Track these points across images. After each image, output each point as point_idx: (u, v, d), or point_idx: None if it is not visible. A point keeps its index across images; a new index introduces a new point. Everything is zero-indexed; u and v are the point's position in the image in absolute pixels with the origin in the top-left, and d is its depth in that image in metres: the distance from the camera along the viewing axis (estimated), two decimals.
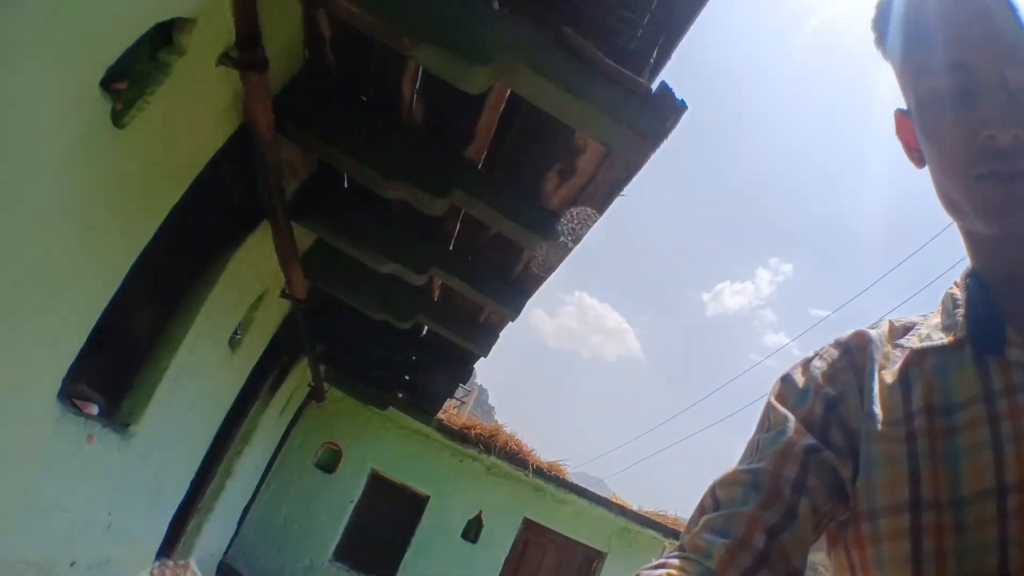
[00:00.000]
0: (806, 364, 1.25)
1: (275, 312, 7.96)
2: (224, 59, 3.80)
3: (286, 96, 4.47)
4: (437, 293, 7.19)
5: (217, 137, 4.28)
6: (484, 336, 7.66)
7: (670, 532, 17.07)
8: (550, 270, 5.54)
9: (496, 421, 18.26)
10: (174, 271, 5.14)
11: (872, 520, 1.07)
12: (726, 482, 1.13)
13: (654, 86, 3.49)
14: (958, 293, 1.19)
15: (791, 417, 1.16)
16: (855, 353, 1.22)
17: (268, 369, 9.52)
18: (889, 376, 1.16)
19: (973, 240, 1.16)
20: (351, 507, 16.14)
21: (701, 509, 1.12)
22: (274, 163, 4.77)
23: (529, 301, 6.34)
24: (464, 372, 9.86)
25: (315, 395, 14.13)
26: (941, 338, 1.15)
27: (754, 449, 1.17)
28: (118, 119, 3.27)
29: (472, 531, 16.70)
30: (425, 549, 16.23)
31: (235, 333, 6.93)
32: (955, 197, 1.10)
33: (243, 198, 5.38)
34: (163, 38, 3.39)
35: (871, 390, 1.15)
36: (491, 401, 49.43)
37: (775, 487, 1.07)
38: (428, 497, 16.48)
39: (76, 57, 2.78)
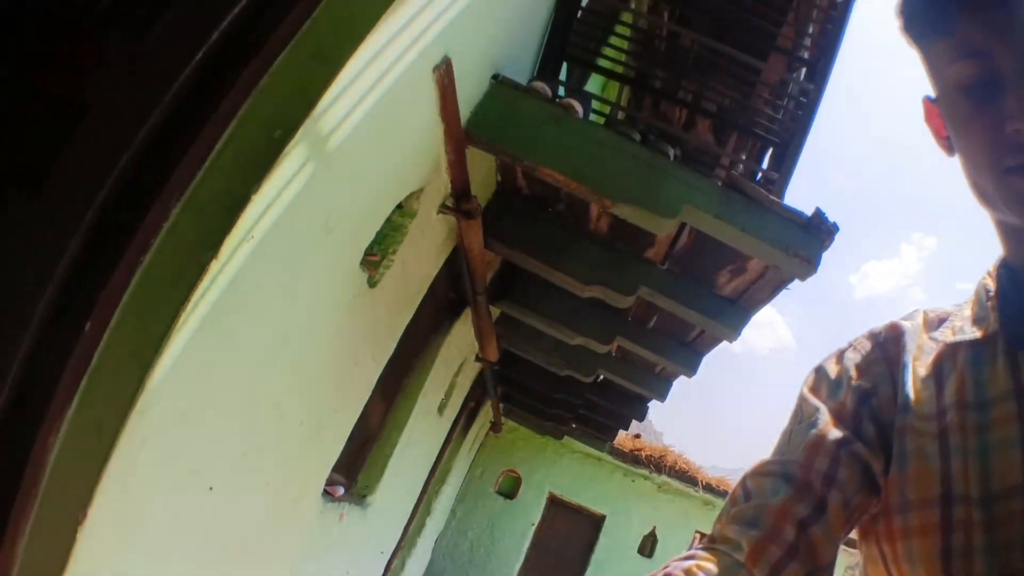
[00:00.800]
0: (840, 355, 1.24)
1: (470, 373, 8.77)
2: (444, 209, 4.53)
3: (485, 216, 5.16)
4: (615, 350, 7.76)
5: (438, 262, 5.03)
6: (660, 385, 8.18)
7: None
8: (723, 340, 6.10)
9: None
10: (399, 366, 5.93)
11: (903, 514, 1.06)
12: (757, 473, 1.13)
13: (809, 212, 4.08)
14: (991, 284, 1.16)
15: (823, 409, 1.16)
16: (889, 345, 1.20)
17: (460, 417, 10.32)
18: (923, 369, 1.15)
19: (1005, 231, 1.14)
20: (532, 529, 16.92)
21: (732, 500, 1.13)
22: (481, 272, 5.51)
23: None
24: (640, 411, 10.33)
25: (494, 427, 14.94)
26: (973, 331, 1.13)
27: (787, 440, 1.17)
28: (372, 282, 4.03)
29: (647, 546, 17.27)
30: (604, 565, 16.89)
31: (442, 399, 7.75)
32: (985, 188, 1.08)
33: (451, 295, 6.16)
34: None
35: (905, 383, 1.14)
36: None
37: (806, 479, 1.07)
38: (604, 516, 17.14)
39: (343, 255, 3.55)
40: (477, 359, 8.14)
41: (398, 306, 4.64)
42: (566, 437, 15.10)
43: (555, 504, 17.21)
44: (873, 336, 1.23)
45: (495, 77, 4.28)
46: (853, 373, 1.18)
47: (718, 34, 5.85)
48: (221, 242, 2.38)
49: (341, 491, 5.60)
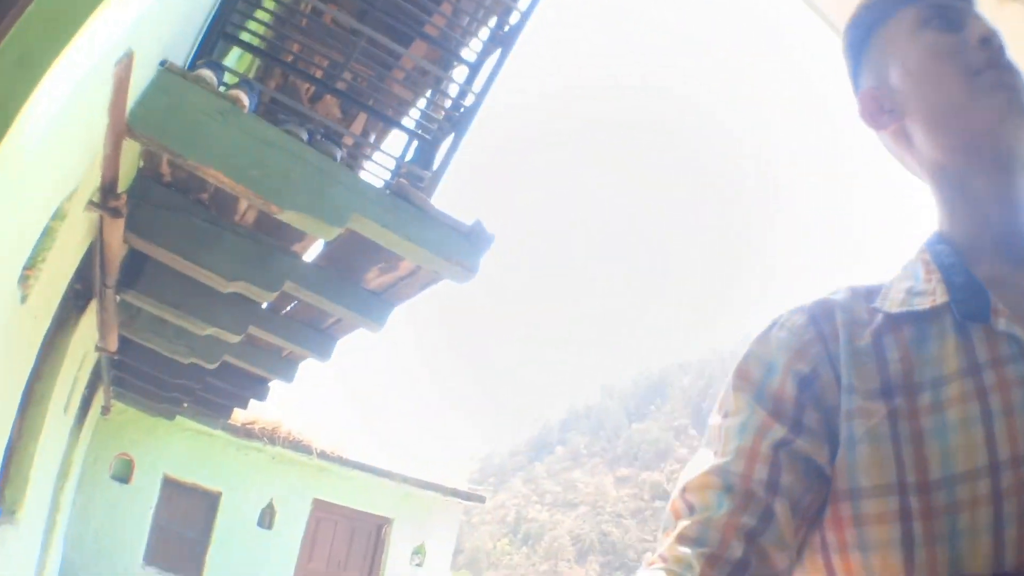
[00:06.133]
0: (767, 336, 1.16)
1: (89, 365, 8.34)
2: (91, 205, 4.31)
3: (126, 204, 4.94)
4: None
5: (76, 261, 4.77)
6: (287, 367, 8.16)
7: (448, 492, 19.25)
8: (358, 327, 6.21)
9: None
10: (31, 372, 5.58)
11: (854, 500, 1.01)
12: (697, 486, 1.06)
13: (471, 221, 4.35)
14: (928, 259, 1.15)
15: (755, 404, 1.09)
16: (822, 321, 1.13)
17: (81, 410, 9.78)
18: (863, 344, 1.09)
19: (956, 201, 1.17)
20: (151, 513, 16.31)
21: (675, 514, 1.06)
22: (114, 265, 5.27)
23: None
24: (261, 391, 10.10)
25: (103, 410, 14.19)
26: (916, 304, 1.09)
27: (719, 438, 1.10)
28: (24, 299, 3.77)
29: (267, 519, 17.29)
30: (226, 542, 16.74)
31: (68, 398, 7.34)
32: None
33: (77, 287, 5.82)
34: None
35: (846, 362, 1.08)
36: None
37: (747, 489, 1.02)
38: (220, 493, 16.92)
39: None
40: (97, 349, 7.74)
41: (42, 314, 4.39)
42: (178, 416, 14.65)
43: (171, 485, 16.57)
44: (803, 313, 1.16)
45: (162, 63, 3.97)
46: (787, 355, 1.11)
47: (361, 13, 5.66)
48: None
49: None
